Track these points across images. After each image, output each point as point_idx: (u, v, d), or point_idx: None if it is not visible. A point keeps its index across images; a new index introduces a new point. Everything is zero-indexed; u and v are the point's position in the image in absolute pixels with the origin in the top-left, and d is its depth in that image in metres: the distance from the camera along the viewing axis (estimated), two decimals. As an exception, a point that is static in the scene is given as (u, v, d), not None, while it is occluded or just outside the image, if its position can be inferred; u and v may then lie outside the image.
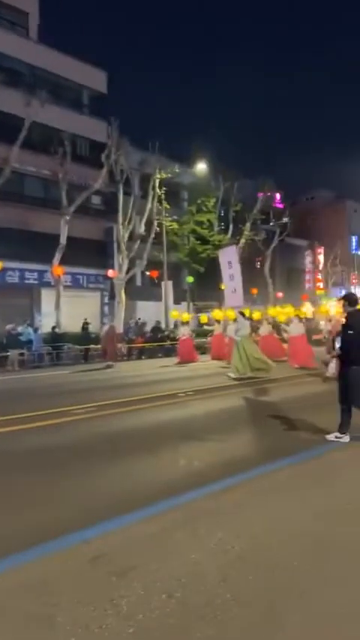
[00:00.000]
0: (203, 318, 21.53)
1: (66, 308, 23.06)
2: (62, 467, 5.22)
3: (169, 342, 22.32)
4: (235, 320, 13.73)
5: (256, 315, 19.14)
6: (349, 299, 6.07)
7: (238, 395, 10.00)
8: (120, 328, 24.39)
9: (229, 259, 14.06)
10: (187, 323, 18.98)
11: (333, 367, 11.91)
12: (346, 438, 5.80)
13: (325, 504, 3.97)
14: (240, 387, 11.01)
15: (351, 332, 5.68)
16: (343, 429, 5.83)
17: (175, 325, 24.34)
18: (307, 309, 17.20)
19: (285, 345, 16.29)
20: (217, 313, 18.72)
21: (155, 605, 2.60)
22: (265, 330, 17.36)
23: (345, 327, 5.83)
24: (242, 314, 13.40)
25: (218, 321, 18.20)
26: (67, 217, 22.57)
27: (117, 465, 5.25)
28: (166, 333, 24.00)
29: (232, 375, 12.56)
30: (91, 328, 22.44)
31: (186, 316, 19.87)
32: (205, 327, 19.97)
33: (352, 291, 48.35)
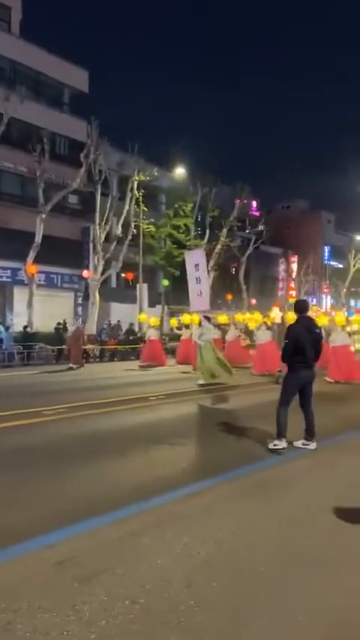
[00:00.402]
0: (173, 321, 21.36)
1: (39, 307, 22.74)
2: (29, 468, 5.12)
3: (142, 345, 22.25)
4: (199, 324, 13.46)
5: (223, 319, 19.22)
6: (295, 306, 6.19)
7: (207, 400, 10.02)
8: (93, 329, 24.19)
9: (196, 262, 13.82)
10: (154, 326, 18.84)
11: None
12: (312, 445, 5.84)
13: (291, 510, 4.01)
14: (209, 393, 11.04)
15: (286, 340, 5.82)
16: (308, 435, 5.91)
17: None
18: (276, 314, 17.13)
19: (252, 352, 16.36)
20: (185, 317, 18.66)
21: (118, 611, 2.57)
22: (231, 335, 17.26)
23: (286, 333, 5.95)
24: (207, 318, 13.13)
25: (186, 326, 17.99)
26: (44, 215, 22.30)
27: (86, 467, 5.18)
28: (139, 335, 23.92)
29: (202, 382, 12.24)
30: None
31: (154, 319, 19.72)
32: (176, 331, 19.80)
33: (323, 300, 49.33)
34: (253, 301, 37.08)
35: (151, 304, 29.64)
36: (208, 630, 2.43)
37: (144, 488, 4.46)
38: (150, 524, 3.66)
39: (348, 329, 15.04)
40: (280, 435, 5.81)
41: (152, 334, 18.29)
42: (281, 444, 5.76)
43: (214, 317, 21.74)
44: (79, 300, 28.23)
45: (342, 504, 4.04)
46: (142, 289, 27.14)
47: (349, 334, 14.51)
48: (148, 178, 27.34)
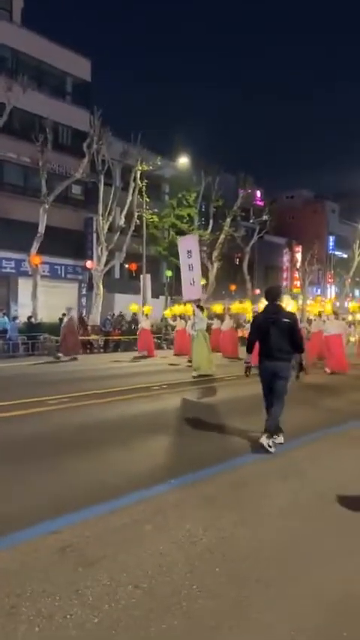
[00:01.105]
0: (167, 312, 21.09)
1: (43, 298, 22.77)
2: (33, 457, 5.16)
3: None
4: (193, 314, 13.02)
5: (218, 309, 19.09)
6: (266, 293, 5.82)
7: (209, 390, 10.05)
8: (97, 320, 24.23)
9: (190, 248, 13.13)
10: (147, 316, 18.58)
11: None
12: (278, 440, 5.47)
13: (291, 498, 4.03)
14: (210, 383, 11.06)
15: (251, 329, 5.61)
16: (265, 429, 5.50)
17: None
18: (286, 303, 17.11)
19: None
20: (176, 309, 18.52)
21: (121, 595, 2.61)
22: (227, 325, 17.06)
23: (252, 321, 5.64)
24: (200, 307, 12.68)
25: (181, 316, 17.81)
26: (47, 206, 22.24)
27: (89, 456, 5.22)
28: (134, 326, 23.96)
29: (195, 374, 11.90)
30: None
31: (148, 308, 19.44)
32: (171, 322, 19.50)
33: (327, 290, 49.12)
34: (257, 291, 36.95)
35: (155, 295, 29.62)
36: (210, 615, 2.46)
37: (146, 476, 4.50)
38: (152, 511, 3.70)
39: (350, 318, 15.04)
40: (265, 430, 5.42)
41: (144, 324, 18.01)
42: (263, 438, 5.36)
43: (211, 307, 21.69)
44: (83, 291, 28.25)
45: (344, 493, 4.06)
46: (146, 280, 27.10)
47: (350, 324, 14.53)
48: (151, 168, 27.18)
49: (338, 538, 3.32)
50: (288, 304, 14.63)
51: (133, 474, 4.62)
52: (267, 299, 5.70)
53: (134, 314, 25.08)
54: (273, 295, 5.62)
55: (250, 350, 5.63)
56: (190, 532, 3.35)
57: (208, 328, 14.50)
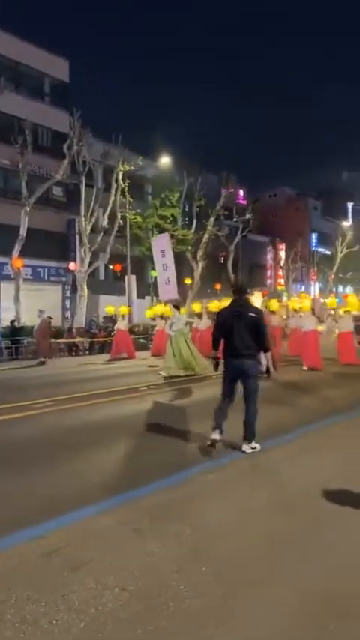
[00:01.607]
0: (147, 313, 20.77)
1: (26, 301, 22.53)
2: (19, 462, 5.11)
3: (132, 337, 22.20)
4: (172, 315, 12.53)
5: (197, 307, 18.81)
6: (233, 286, 5.68)
7: (195, 389, 10.05)
8: (82, 322, 24.08)
9: (162, 247, 12.95)
10: (123, 316, 18.10)
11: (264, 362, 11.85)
12: (256, 448, 5.21)
13: (278, 495, 4.05)
14: (193, 383, 11.05)
15: (216, 324, 5.37)
16: (245, 436, 5.27)
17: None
18: (255, 300, 16.85)
19: None
20: (157, 308, 18.15)
21: (108, 598, 2.59)
22: (205, 323, 16.60)
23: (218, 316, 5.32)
24: (177, 307, 12.31)
25: (161, 316, 17.18)
26: (28, 208, 22.02)
27: (75, 458, 5.18)
28: (129, 327, 23.85)
29: (164, 374, 11.49)
30: (54, 322, 21.99)
31: (123, 308, 18.86)
32: (151, 322, 19.08)
33: (311, 287, 49.51)
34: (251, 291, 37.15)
35: (140, 295, 29.56)
36: (197, 614, 2.46)
37: (131, 477, 4.48)
38: (138, 513, 3.68)
39: (333, 313, 15.08)
40: (214, 425, 5.26)
41: (120, 325, 17.50)
42: (213, 434, 5.21)
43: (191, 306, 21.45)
44: (67, 293, 28.06)
45: (329, 488, 4.09)
46: (131, 280, 27.02)
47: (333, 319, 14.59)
48: (132, 168, 27.10)
49: (324, 534, 3.34)
50: (256, 300, 14.35)
51: (117, 475, 4.60)
52: (234, 293, 5.44)
53: (113, 315, 24.94)
54: (239, 288, 5.43)
55: (216, 346, 5.39)
56: (177, 532, 3.34)
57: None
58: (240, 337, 5.10)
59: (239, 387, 5.35)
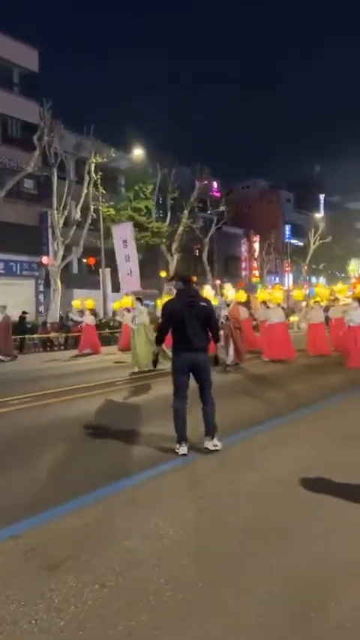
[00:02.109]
0: (115, 305, 20.19)
1: (-1, 296, 22.14)
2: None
3: (107, 331, 22.07)
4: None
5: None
6: (177, 275, 5.42)
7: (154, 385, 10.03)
8: (56, 317, 23.80)
9: (125, 237, 12.72)
10: (90, 310, 17.67)
11: (231, 354, 11.54)
12: (219, 445, 4.88)
13: (257, 485, 4.07)
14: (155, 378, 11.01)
15: (163, 315, 4.95)
16: (206, 433, 4.94)
17: (114, 314, 23.79)
18: (208, 292, 15.01)
19: None
20: (124, 301, 17.51)
21: (88, 596, 2.56)
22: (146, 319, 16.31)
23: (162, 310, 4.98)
24: (139, 300, 12.01)
25: (128, 310, 16.08)
26: (-2, 201, 21.59)
27: (50, 455, 5.11)
28: (104, 321, 23.69)
29: (136, 369, 11.16)
30: (28, 318, 21.64)
31: (89, 302, 18.27)
32: (117, 317, 18.43)
33: (285, 278, 50.06)
34: (218, 282, 37.26)
35: (115, 289, 29.32)
36: (179, 607, 2.45)
37: (107, 473, 4.44)
38: (117, 507, 3.66)
39: (311, 303, 15.08)
40: (179, 438, 4.86)
41: (88, 319, 17.10)
42: (181, 449, 4.82)
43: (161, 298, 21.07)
44: (41, 288, 27.67)
45: (307, 476, 4.13)
46: (105, 274, 26.78)
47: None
48: (105, 160, 26.79)
49: (303, 522, 3.38)
50: (229, 291, 13.91)
51: (93, 472, 4.55)
52: (182, 283, 5.07)
53: (95, 310, 24.69)
54: (185, 277, 5.13)
55: (161, 341, 5.02)
56: (157, 525, 3.33)
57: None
58: (192, 329, 4.78)
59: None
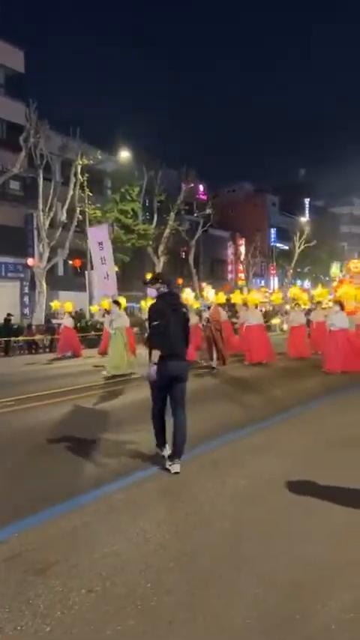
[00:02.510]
0: (94, 308, 19.68)
1: (-17, 298, 21.90)
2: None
3: (93, 333, 21.96)
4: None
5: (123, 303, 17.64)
6: (162, 278, 4.79)
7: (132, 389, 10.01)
8: (41, 319, 23.61)
9: (101, 239, 12.14)
10: (69, 313, 17.38)
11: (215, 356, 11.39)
12: (175, 467, 4.43)
13: (242, 488, 4.09)
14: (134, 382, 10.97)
15: (155, 322, 4.45)
16: (171, 451, 4.56)
17: (92, 315, 23.54)
18: (188, 295, 14.65)
19: None
20: (104, 303, 17.07)
21: (74, 601, 2.54)
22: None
23: (148, 314, 4.62)
24: (117, 303, 11.63)
25: (108, 312, 16.64)
26: (-17, 202, 21.37)
27: (35, 460, 5.07)
28: (90, 323, 23.57)
29: (107, 374, 10.79)
30: (13, 320, 21.40)
31: (68, 304, 17.99)
32: (97, 318, 17.87)
33: (271, 281, 50.37)
34: (204, 284, 37.32)
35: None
36: (165, 611, 2.45)
37: (96, 477, 4.43)
38: (104, 512, 3.64)
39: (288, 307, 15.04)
40: (162, 442, 4.73)
41: (66, 322, 16.77)
42: (165, 451, 4.69)
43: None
44: (26, 290, 27.43)
45: (292, 479, 4.16)
46: (91, 276, 26.64)
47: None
48: (91, 162, 26.71)
49: (288, 523, 3.40)
50: (209, 293, 13.06)
51: (78, 476, 4.52)
52: (166, 285, 4.68)
53: (80, 310, 24.52)
54: (168, 279, 4.80)
55: (162, 343, 4.38)
56: (144, 529, 3.33)
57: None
58: (176, 335, 4.47)
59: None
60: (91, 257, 26.32)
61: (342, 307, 10.94)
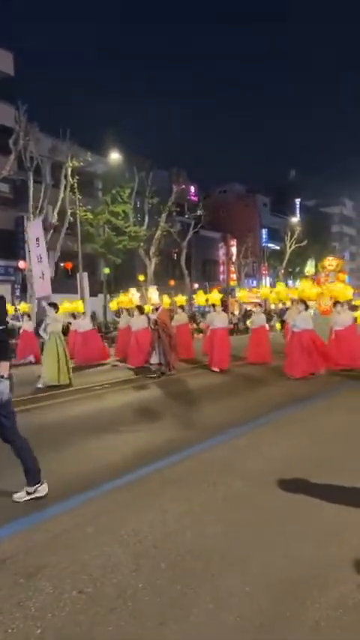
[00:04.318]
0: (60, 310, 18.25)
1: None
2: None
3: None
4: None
5: (115, 306, 16.35)
6: None
7: (148, 387, 10.05)
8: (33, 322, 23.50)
9: (37, 235, 10.99)
10: (29, 315, 16.27)
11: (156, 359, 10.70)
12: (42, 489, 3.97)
13: (234, 488, 4.10)
14: (143, 381, 11.05)
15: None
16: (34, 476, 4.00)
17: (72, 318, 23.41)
18: (133, 296, 13.80)
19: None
20: (67, 305, 15.40)
21: (65, 602, 2.54)
22: (86, 325, 14.46)
23: None
24: (54, 306, 10.34)
25: (73, 315, 15.21)
26: (-27, 205, 21.27)
27: (18, 465, 5.04)
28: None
29: (41, 385, 9.73)
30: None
31: (24, 305, 17.00)
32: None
33: (262, 281, 50.51)
34: (196, 286, 37.36)
35: (93, 293, 29.19)
36: (157, 612, 2.46)
37: (87, 478, 4.42)
38: (95, 513, 3.64)
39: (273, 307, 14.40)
40: (39, 476, 4.03)
41: (26, 325, 15.54)
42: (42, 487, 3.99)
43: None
44: (17, 293, 27.32)
45: (284, 477, 4.18)
46: (83, 278, 26.60)
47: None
48: (82, 164, 26.65)
49: (279, 523, 3.42)
50: (153, 294, 11.54)
51: (68, 478, 4.51)
52: None
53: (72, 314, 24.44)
54: None
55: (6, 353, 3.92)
56: (135, 530, 3.33)
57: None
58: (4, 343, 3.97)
59: None
60: (92, 259, 26.43)
61: (306, 307, 10.25)
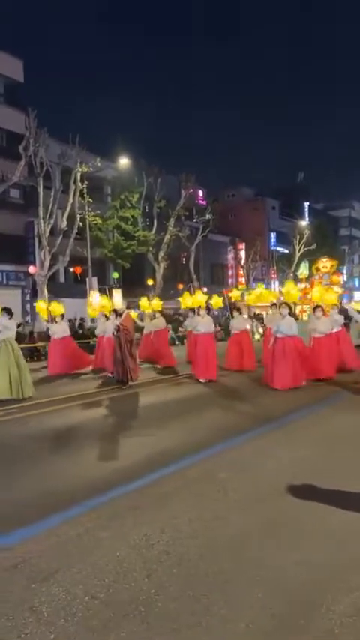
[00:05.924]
0: (41, 311, 17.42)
1: (-16, 306, 21.90)
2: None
3: (93, 340, 21.93)
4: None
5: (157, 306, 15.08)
6: None
7: (159, 390, 10.04)
8: (43, 327, 23.62)
9: None
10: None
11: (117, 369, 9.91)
12: None
13: (243, 492, 4.09)
14: (153, 384, 11.04)
15: None
16: None
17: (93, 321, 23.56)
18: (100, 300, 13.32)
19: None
20: (56, 307, 14.87)
21: (78, 608, 2.55)
22: (62, 330, 13.65)
23: None
24: (7, 311, 9.62)
25: (55, 320, 14.25)
26: (-17, 211, 21.45)
27: (39, 466, 5.07)
28: (90, 330, 23.56)
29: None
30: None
31: None
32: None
33: (271, 285, 50.41)
34: (205, 289, 37.37)
35: (102, 298, 29.26)
36: (169, 617, 2.45)
37: (99, 482, 4.42)
38: (107, 518, 3.64)
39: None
40: None
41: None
42: None
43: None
44: (27, 297, 27.50)
45: (295, 482, 4.16)
46: (92, 283, 26.72)
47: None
48: (91, 169, 26.81)
49: (291, 528, 3.40)
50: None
51: (81, 483, 4.51)
52: None
53: (82, 318, 24.54)
54: None
55: None
56: (147, 535, 3.33)
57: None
58: None
59: None
60: (101, 264, 26.44)
61: (290, 311, 9.56)
